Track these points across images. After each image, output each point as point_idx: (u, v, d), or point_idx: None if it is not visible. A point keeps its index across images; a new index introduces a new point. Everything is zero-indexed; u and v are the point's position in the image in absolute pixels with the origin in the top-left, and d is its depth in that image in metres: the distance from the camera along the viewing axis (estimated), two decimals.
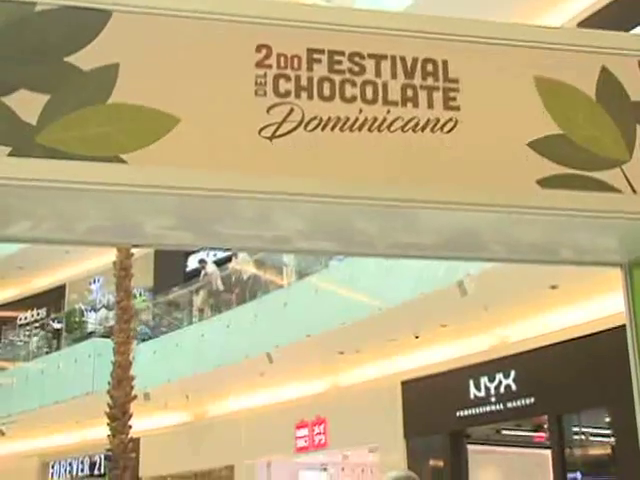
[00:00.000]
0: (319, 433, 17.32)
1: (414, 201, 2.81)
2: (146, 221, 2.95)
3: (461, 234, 3.07)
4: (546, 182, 2.91)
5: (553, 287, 11.67)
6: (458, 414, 14.41)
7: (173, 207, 2.81)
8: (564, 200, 2.89)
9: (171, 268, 23.77)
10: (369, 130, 2.86)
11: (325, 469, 19.27)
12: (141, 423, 18.50)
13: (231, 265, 19.85)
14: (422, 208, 2.84)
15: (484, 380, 14.00)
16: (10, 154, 2.60)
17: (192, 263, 23.74)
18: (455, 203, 2.82)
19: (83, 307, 24.93)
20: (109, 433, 17.71)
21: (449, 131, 2.92)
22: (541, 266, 10.03)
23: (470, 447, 14.99)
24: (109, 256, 19.72)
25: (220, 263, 20.97)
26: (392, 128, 2.88)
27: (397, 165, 2.84)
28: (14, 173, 2.58)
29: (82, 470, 23.68)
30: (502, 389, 13.71)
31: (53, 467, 24.85)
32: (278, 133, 2.80)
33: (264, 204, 2.79)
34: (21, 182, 2.60)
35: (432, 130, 2.91)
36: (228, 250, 17.84)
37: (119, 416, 17.61)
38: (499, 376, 13.74)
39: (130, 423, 17.77)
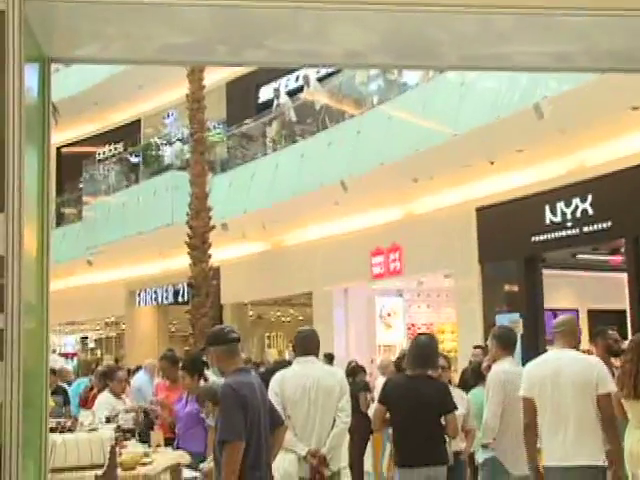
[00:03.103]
0: (394, 260, 17.57)
1: (488, 7, 2.69)
2: (211, 37, 2.89)
3: (541, 41, 2.94)
4: None
5: (634, 108, 11.30)
6: (533, 239, 14.40)
7: (237, 21, 2.74)
8: None
9: (243, 100, 23.72)
10: None
11: (401, 295, 19.66)
12: (221, 253, 18.99)
13: (303, 95, 19.69)
14: (496, 14, 2.72)
15: (560, 205, 13.87)
16: None
17: (264, 94, 23.62)
18: (534, 7, 2.69)
19: (158, 141, 25.20)
20: (190, 262, 18.26)
21: None
22: (621, 87, 9.72)
23: (545, 272, 15.06)
24: (182, 89, 19.71)
25: (292, 93, 20.83)
26: None
27: None
28: None
29: (167, 298, 24.65)
30: (578, 213, 13.58)
31: (139, 295, 25.91)
32: None
33: (333, 14, 2.71)
34: None
35: None
36: (301, 68, 17.67)
37: (199, 245, 18.07)
38: (576, 200, 13.59)
39: (210, 252, 18.26)
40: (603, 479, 5.68)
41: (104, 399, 8.93)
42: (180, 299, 23.50)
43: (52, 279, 2.82)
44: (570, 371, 5.72)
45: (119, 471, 5.42)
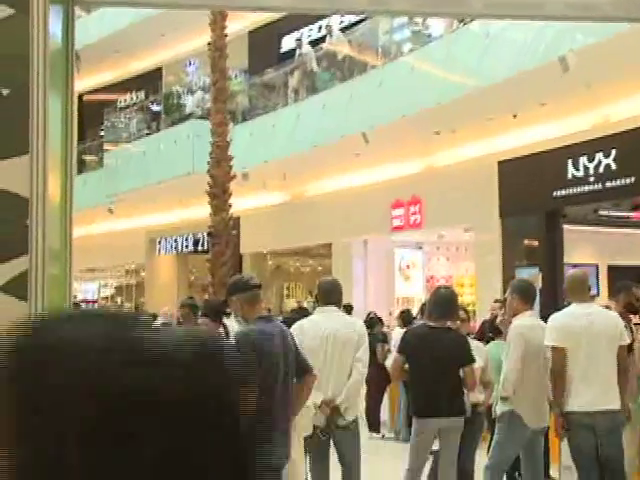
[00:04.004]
0: (414, 213, 17.54)
1: None
2: None
3: None
4: None
5: None
6: (555, 194, 14.32)
7: None
8: None
9: (265, 49, 23.55)
10: None
11: (420, 247, 19.66)
12: (241, 202, 19.02)
13: (326, 45, 19.53)
14: None
15: (583, 160, 13.76)
16: None
17: (286, 44, 23.44)
18: None
19: (180, 89, 25.13)
20: (210, 211, 18.31)
21: None
22: None
23: (566, 227, 15.01)
24: (204, 38, 19.61)
25: (315, 43, 20.66)
26: None
27: None
28: None
29: (187, 246, 24.75)
30: (601, 169, 13.47)
31: (160, 243, 26.02)
32: None
33: None
34: None
35: None
36: (326, 16, 17.48)
37: (219, 194, 18.12)
38: (599, 155, 13.47)
39: (230, 202, 18.30)
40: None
41: None
42: (200, 248, 23.60)
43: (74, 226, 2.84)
44: (601, 324, 6.22)
45: None
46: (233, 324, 8.08)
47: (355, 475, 6.34)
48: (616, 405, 6.19)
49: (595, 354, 6.14)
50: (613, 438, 6.22)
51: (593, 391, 6.11)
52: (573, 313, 6.31)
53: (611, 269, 16.38)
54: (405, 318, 11.82)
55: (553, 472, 8.77)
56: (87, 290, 29.80)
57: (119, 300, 29.30)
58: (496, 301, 10.88)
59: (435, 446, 6.65)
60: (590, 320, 6.21)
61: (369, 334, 6.76)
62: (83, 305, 20.85)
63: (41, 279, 2.24)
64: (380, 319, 13.65)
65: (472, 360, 6.54)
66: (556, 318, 6.34)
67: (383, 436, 12.49)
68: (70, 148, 2.76)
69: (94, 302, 27.45)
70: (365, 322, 11.24)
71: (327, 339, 6.16)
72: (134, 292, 28.86)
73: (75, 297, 20.92)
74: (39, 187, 2.26)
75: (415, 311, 13.11)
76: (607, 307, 8.43)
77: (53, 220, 2.44)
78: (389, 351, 11.77)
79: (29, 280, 2.24)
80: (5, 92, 2.31)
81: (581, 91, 12.19)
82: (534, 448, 6.56)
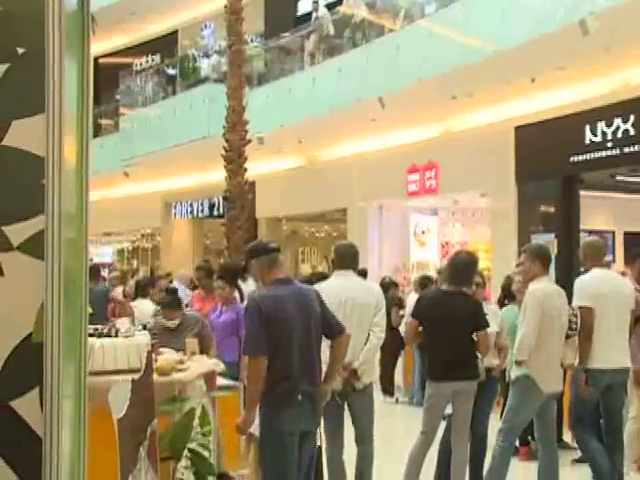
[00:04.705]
0: (430, 178, 17.47)
1: None
2: None
3: None
4: None
5: None
6: (572, 159, 14.21)
7: None
8: None
9: (281, 13, 23.39)
10: None
11: (436, 213, 19.61)
12: (256, 167, 18.98)
13: (342, 8, 19.35)
14: None
15: (601, 125, 13.63)
16: None
17: (303, 7, 23.25)
18: None
19: (195, 53, 25.00)
20: (226, 175, 18.29)
21: None
22: None
23: (583, 192, 14.92)
24: (220, 0, 19.48)
25: (331, 6, 20.48)
26: None
27: None
28: None
29: (202, 211, 24.76)
30: (620, 134, 13.34)
31: (175, 207, 26.06)
32: None
33: None
34: None
35: None
36: None
37: (235, 158, 18.07)
38: (617, 121, 13.34)
39: (245, 166, 18.27)
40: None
41: (146, 306, 9.01)
42: (215, 212, 23.63)
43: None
44: (624, 288, 6.80)
45: (155, 376, 5.51)
46: (250, 287, 8.13)
47: (368, 438, 6.38)
48: (629, 363, 6.76)
49: (618, 316, 6.61)
50: (622, 393, 6.85)
51: (616, 350, 6.60)
52: (599, 277, 6.69)
53: (628, 235, 16.32)
54: (422, 283, 11.79)
55: (565, 437, 8.81)
56: (103, 254, 29.96)
57: (135, 263, 29.45)
58: (518, 265, 10.84)
59: (448, 410, 6.68)
60: (616, 284, 6.74)
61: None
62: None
63: (57, 238, 2.24)
64: (395, 283, 13.67)
65: (486, 324, 6.54)
66: (585, 280, 6.72)
67: (397, 400, 12.56)
68: (86, 111, 2.74)
69: (110, 265, 27.57)
70: (380, 286, 11.28)
71: (346, 303, 6.14)
72: (149, 256, 29.00)
73: (91, 260, 21.05)
74: (55, 146, 2.26)
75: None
76: (623, 273, 8.44)
77: (69, 182, 2.44)
78: (403, 316, 11.79)
79: (46, 239, 2.25)
80: (20, 51, 2.30)
81: (600, 55, 12.04)
82: (547, 412, 6.58)
